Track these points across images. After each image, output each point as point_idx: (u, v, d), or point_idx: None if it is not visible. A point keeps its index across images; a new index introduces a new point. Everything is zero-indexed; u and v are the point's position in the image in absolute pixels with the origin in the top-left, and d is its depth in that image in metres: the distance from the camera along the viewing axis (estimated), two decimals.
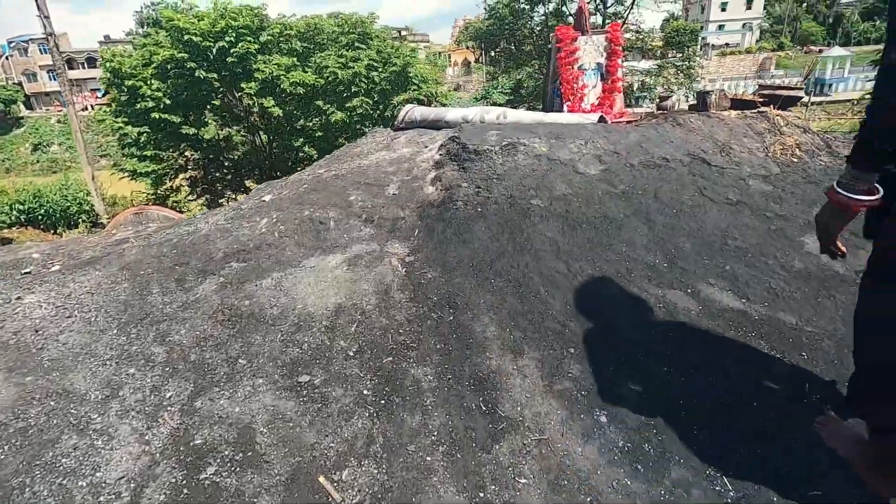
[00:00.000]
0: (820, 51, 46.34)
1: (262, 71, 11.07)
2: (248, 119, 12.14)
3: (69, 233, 11.80)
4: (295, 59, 11.81)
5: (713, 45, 49.65)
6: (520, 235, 2.88)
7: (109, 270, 2.89)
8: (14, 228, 11.92)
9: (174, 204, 12.69)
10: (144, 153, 11.32)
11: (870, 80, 39.43)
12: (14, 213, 11.91)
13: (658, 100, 4.48)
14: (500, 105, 23.40)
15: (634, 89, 17.16)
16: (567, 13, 16.40)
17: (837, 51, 41.98)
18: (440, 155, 3.53)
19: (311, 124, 12.71)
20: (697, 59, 18.73)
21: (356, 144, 4.38)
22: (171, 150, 11.88)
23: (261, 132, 13.14)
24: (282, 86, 11.34)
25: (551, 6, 16.66)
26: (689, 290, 2.54)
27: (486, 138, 3.45)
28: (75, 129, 12.73)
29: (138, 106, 10.81)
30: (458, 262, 2.78)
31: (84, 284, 2.78)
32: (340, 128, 12.39)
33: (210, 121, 11.47)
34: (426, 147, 3.82)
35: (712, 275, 2.61)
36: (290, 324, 2.47)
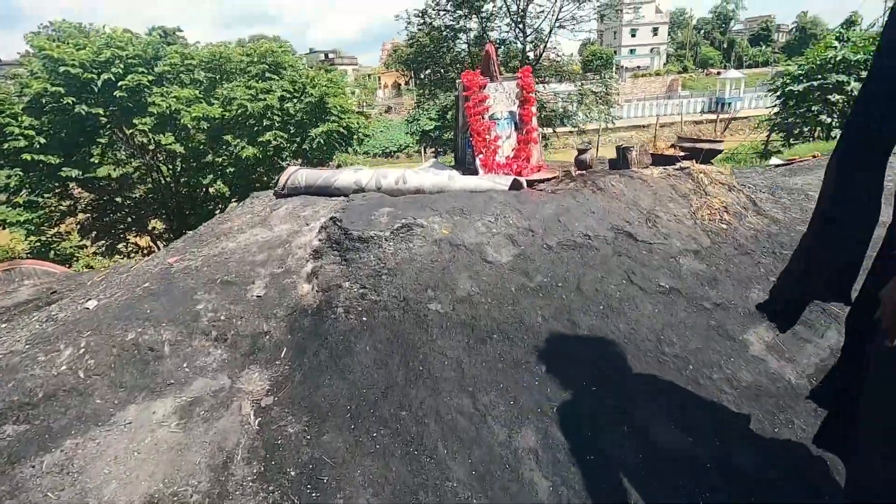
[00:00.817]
0: (718, 73, 50.25)
1: (159, 105, 9.86)
2: (144, 157, 10.81)
3: None
4: (197, 91, 10.68)
5: (626, 68, 52.49)
6: (414, 357, 2.21)
7: None
8: None
9: (65, 252, 11.05)
10: (16, 200, 9.70)
11: (761, 99, 43.31)
12: None
13: (576, 153, 4.01)
14: (427, 132, 23.00)
15: (556, 115, 17.30)
16: (489, 40, 16.31)
17: (733, 73, 45.61)
18: (319, 240, 2.82)
19: (220, 160, 11.56)
20: (614, 82, 19.27)
21: (226, 217, 3.56)
22: (51, 195, 10.31)
23: (163, 169, 11.80)
24: (182, 121, 10.18)
25: (472, 34, 16.50)
26: (626, 429, 1.97)
27: (374, 220, 2.78)
28: None
29: (5, 146, 9.27)
30: (333, 403, 2.07)
31: None
32: (254, 163, 11.34)
33: (99, 160, 10.06)
34: (307, 224, 3.09)
35: (652, 403, 2.06)
36: None
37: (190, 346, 2.35)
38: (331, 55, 52.14)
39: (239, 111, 10.70)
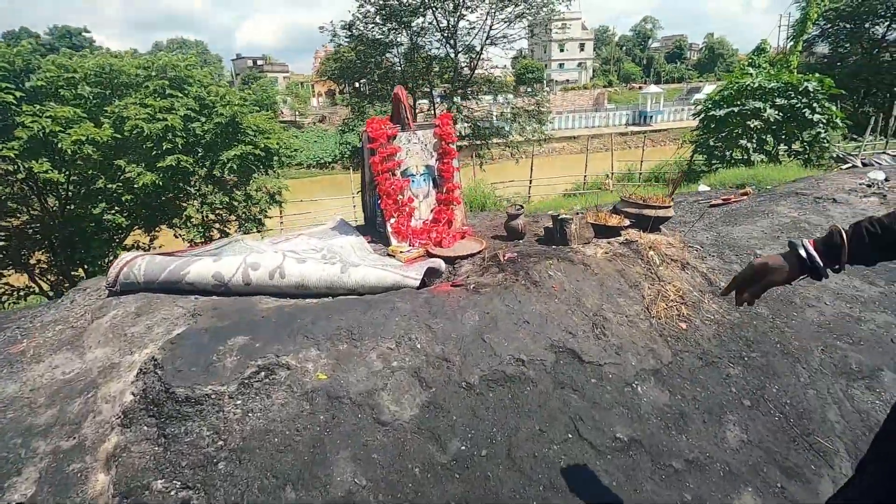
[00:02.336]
0: (640, 87, 52.67)
1: (29, 127, 8.25)
2: (12, 186, 9.07)
3: None
4: (80, 109, 9.11)
5: (556, 81, 53.83)
6: None
7: None
8: None
9: None
10: None
11: (678, 113, 45.76)
12: None
13: (506, 216, 3.29)
14: (358, 149, 22.03)
15: (489, 131, 16.85)
16: (424, 50, 15.46)
17: (653, 88, 47.94)
18: (133, 395, 1.87)
19: (113, 186, 9.98)
20: (545, 99, 19.17)
21: (28, 326, 2.49)
22: None
23: (47, 196, 10.05)
24: (61, 144, 8.60)
25: (402, 49, 15.70)
26: None
27: (216, 363, 1.87)
28: None
29: None
30: None
31: None
32: (153, 190, 9.88)
33: None
34: (131, 353, 2.12)
35: None
36: None
37: None
38: (259, 62, 49.32)
39: (133, 132, 9.24)
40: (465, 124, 16.88)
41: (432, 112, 16.13)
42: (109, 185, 10.06)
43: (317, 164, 35.33)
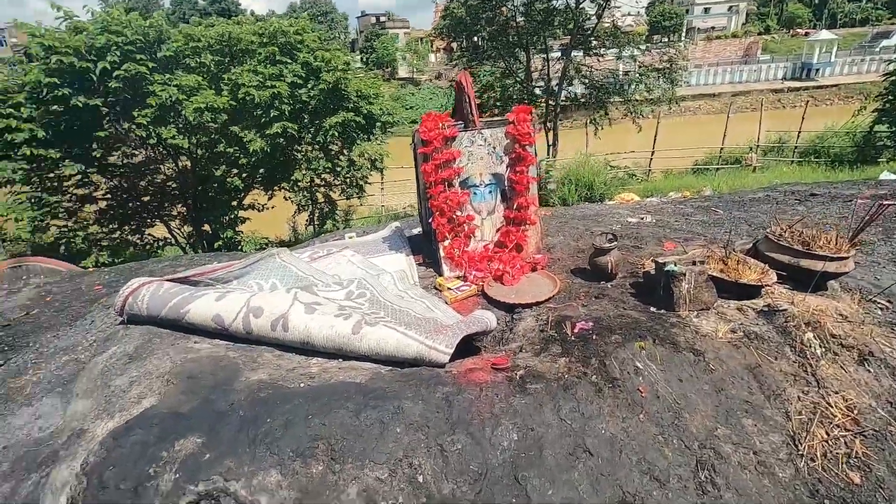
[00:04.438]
0: (806, 33, 43.58)
1: (159, 96, 8.80)
2: (146, 151, 9.92)
3: None
4: (201, 77, 9.52)
5: (699, 29, 46.69)
6: None
7: None
8: None
9: (77, 246, 10.52)
10: (19, 195, 9.12)
11: (856, 65, 36.97)
12: None
13: (593, 250, 2.41)
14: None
15: (609, 88, 14.89)
16: (543, 1, 13.69)
17: (824, 34, 39.34)
18: (65, 499, 1.50)
19: (231, 150, 10.48)
20: (683, 45, 16.32)
21: (35, 356, 2.30)
22: (57, 190, 9.66)
23: (178, 158, 10.92)
24: (185, 112, 9.10)
25: (518, 1, 14.18)
26: None
27: (148, 485, 1.42)
28: None
29: (7, 137, 8.58)
30: None
31: None
32: (262, 157, 10.19)
33: (100, 153, 9.23)
34: (102, 418, 1.78)
35: None
36: None
37: None
38: (382, 18, 49.46)
39: (245, 99, 9.49)
40: (583, 84, 15.06)
41: (546, 73, 14.58)
42: (228, 150, 10.57)
43: None
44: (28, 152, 8.48)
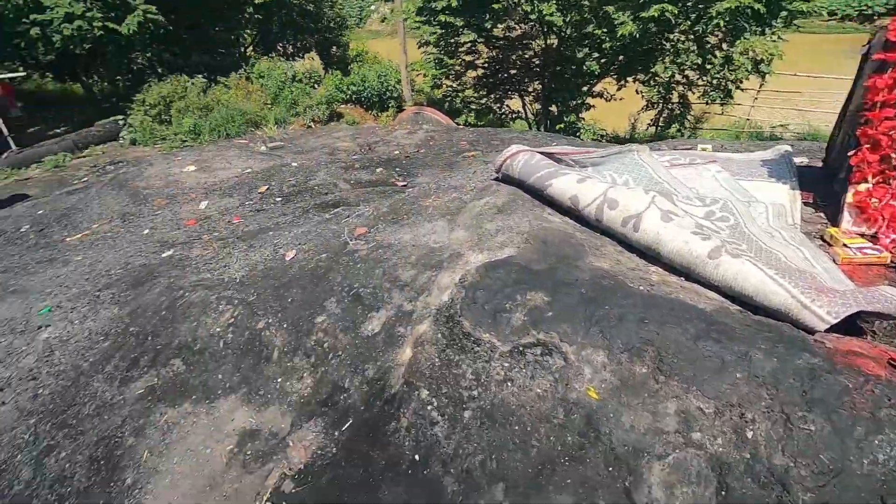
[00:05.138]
0: None
1: None
2: (526, 24, 10.54)
3: (382, 115, 13.40)
4: None
5: None
6: None
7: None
8: (347, 105, 14.10)
9: (456, 105, 12.71)
10: (430, 55, 11.34)
11: None
12: (350, 92, 13.91)
13: None
14: None
15: None
16: None
17: None
18: (446, 299, 2.00)
19: (599, 32, 10.22)
20: None
21: (453, 181, 2.96)
22: (456, 55, 11.55)
23: (549, 35, 11.40)
24: None
25: None
26: None
27: (503, 316, 1.72)
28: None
29: (433, 5, 10.59)
30: None
31: None
32: (630, 42, 9.58)
33: (491, 24, 10.42)
34: (472, 251, 2.25)
35: None
36: None
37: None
38: None
39: None
40: None
41: None
42: (596, 31, 10.34)
43: (861, 16, 25.41)
44: (443, 19, 10.26)
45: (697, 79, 10.34)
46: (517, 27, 11.36)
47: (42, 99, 13.40)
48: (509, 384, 1.63)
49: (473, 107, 12.59)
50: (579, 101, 11.72)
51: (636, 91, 11.03)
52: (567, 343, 1.62)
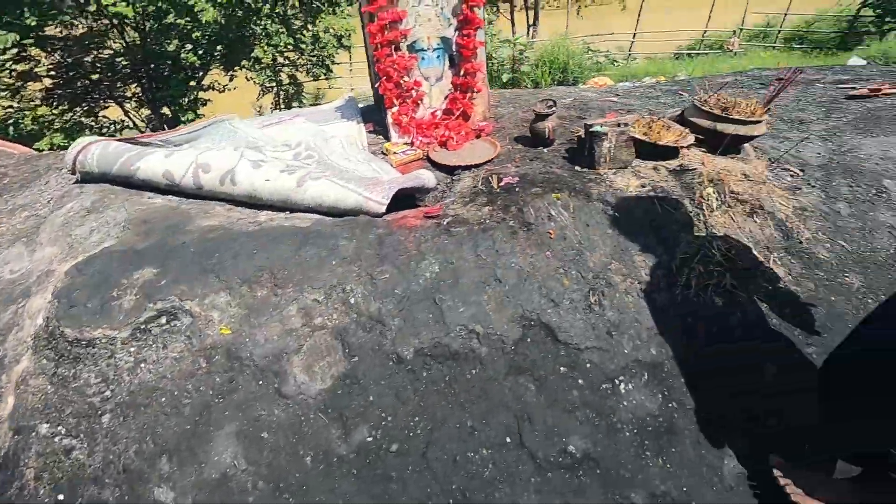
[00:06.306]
0: None
1: None
2: (86, 19, 9.02)
3: None
4: None
5: None
6: None
7: None
8: None
9: (27, 128, 9.97)
10: None
11: None
12: None
13: (533, 115, 2.51)
14: None
15: None
16: None
17: None
18: (43, 319, 1.71)
19: (182, 22, 9.61)
20: None
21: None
22: (3, 67, 8.88)
23: (124, 29, 10.00)
24: None
25: None
26: None
27: (114, 300, 1.63)
28: None
29: None
30: None
31: None
32: (218, 29, 9.41)
33: (34, 22, 8.38)
34: (68, 259, 1.95)
35: None
36: None
37: None
38: None
39: None
40: None
41: None
42: (178, 21, 9.69)
43: None
44: None
45: (297, 58, 11.11)
46: (76, 23, 9.52)
47: None
48: (143, 365, 1.56)
49: (57, 126, 10.15)
50: (192, 98, 10.96)
51: (246, 78, 11.08)
52: (189, 300, 1.65)
